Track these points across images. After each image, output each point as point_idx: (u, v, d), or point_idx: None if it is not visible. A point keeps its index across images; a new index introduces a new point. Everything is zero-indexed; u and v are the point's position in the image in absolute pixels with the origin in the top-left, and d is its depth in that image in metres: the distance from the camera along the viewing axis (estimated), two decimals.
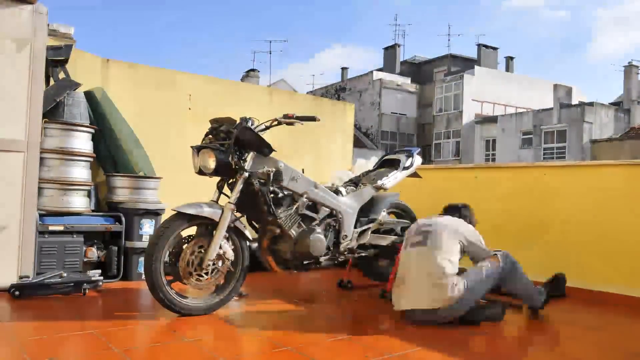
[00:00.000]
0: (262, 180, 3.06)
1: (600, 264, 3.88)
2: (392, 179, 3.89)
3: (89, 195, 3.91)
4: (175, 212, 2.84)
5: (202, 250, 2.91)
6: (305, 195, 3.27)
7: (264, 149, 3.06)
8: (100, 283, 3.49)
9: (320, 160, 5.82)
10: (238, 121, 3.03)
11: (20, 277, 3.26)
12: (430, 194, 4.89)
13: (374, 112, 29.65)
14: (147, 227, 3.93)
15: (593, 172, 4.13)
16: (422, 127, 30.65)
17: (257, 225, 3.39)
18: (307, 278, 4.29)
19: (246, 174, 2.99)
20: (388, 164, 4.11)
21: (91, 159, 3.92)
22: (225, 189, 3.13)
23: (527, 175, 4.48)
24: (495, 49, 33.49)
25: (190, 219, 2.87)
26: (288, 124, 3.15)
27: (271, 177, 3.06)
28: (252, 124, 3.06)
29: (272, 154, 3.12)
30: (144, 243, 3.82)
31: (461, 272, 2.93)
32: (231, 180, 3.09)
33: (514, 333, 2.90)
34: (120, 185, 4.02)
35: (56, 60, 3.87)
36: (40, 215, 3.51)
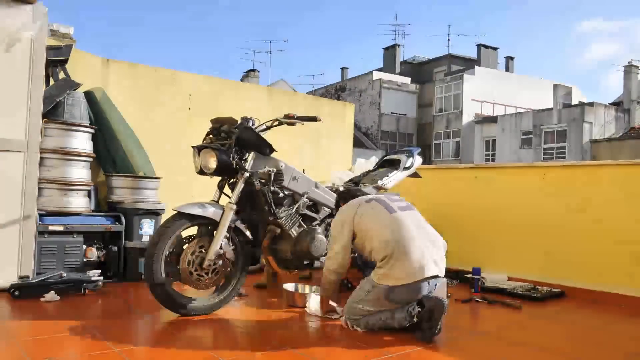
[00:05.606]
0: (262, 180, 3.06)
1: (600, 264, 3.88)
2: (392, 179, 3.90)
3: (89, 195, 3.91)
4: (176, 212, 2.84)
5: (203, 250, 2.90)
6: (305, 195, 3.27)
7: (264, 148, 3.06)
8: (100, 283, 3.48)
9: (320, 160, 5.82)
10: (239, 121, 3.03)
11: (20, 277, 3.26)
12: (430, 193, 4.90)
13: (374, 112, 29.61)
14: (147, 227, 3.93)
15: (593, 172, 4.13)
16: (422, 127, 30.60)
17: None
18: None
19: (247, 174, 2.99)
20: (388, 164, 4.12)
21: (91, 159, 3.92)
22: (226, 189, 3.13)
23: (527, 175, 4.48)
24: (495, 49, 33.48)
25: (192, 219, 2.87)
26: (289, 124, 3.15)
27: (272, 177, 3.06)
28: (253, 124, 3.06)
29: (273, 154, 3.12)
30: (143, 243, 3.82)
31: None
32: (232, 180, 3.09)
33: (513, 333, 2.90)
34: (120, 185, 4.02)
35: (56, 60, 3.87)
36: (40, 215, 3.51)
